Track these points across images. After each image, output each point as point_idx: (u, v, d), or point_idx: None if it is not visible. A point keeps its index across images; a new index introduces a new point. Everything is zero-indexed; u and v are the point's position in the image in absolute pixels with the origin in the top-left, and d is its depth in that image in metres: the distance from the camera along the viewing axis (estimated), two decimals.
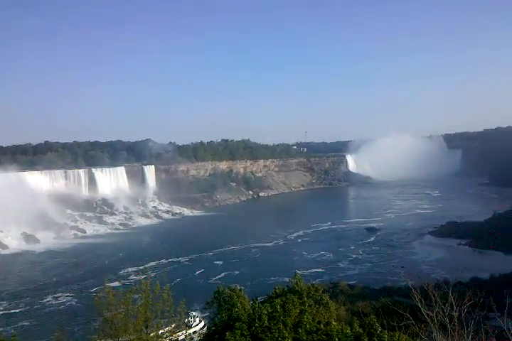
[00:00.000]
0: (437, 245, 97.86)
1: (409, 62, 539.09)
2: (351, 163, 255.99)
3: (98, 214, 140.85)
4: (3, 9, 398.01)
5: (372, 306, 48.92)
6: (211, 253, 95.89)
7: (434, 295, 16.96)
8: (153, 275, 57.62)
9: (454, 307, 16.25)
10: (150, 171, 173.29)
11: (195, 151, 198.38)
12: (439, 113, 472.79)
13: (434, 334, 16.01)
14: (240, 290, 23.88)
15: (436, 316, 16.05)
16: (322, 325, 17.42)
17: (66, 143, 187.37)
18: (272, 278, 73.98)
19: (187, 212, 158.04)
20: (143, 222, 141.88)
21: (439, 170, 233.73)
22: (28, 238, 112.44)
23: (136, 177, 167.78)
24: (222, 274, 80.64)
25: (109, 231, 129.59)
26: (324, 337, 16.66)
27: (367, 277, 76.44)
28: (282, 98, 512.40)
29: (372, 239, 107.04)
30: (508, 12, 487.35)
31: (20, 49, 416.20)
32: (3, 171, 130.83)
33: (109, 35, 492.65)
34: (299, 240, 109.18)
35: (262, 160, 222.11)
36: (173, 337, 21.23)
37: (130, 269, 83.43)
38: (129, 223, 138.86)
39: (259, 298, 24.58)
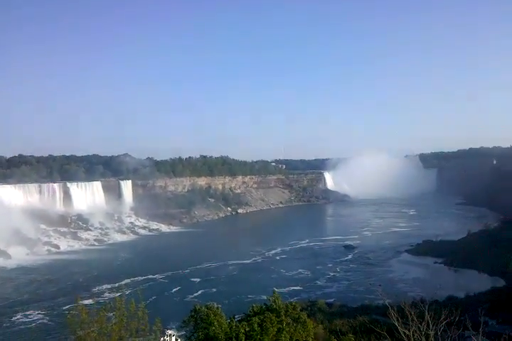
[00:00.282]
0: (414, 263, 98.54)
1: (385, 85, 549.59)
2: (329, 180, 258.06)
3: (73, 230, 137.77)
4: None
5: (350, 324, 48.82)
6: (188, 271, 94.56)
7: (410, 314, 17.06)
8: (128, 292, 56.63)
9: (431, 326, 16.37)
10: (127, 186, 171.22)
11: (174, 167, 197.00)
12: (415, 133, 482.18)
13: None
14: (217, 308, 23.59)
15: (413, 335, 16.14)
16: None
17: (41, 156, 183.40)
18: (250, 296, 73.17)
19: (164, 228, 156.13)
20: (119, 238, 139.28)
21: (416, 189, 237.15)
22: None
23: (113, 192, 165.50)
24: (199, 292, 79.39)
25: (83, 247, 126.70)
26: None
27: (345, 295, 76.25)
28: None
29: (349, 256, 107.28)
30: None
31: None
32: None
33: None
34: (277, 257, 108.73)
35: (240, 177, 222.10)
36: None
37: (104, 286, 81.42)
38: (105, 239, 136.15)
39: (236, 316, 24.33)
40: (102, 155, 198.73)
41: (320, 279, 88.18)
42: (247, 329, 16.52)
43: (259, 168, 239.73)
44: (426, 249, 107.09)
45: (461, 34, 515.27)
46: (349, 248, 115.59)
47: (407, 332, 16.26)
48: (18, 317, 68.48)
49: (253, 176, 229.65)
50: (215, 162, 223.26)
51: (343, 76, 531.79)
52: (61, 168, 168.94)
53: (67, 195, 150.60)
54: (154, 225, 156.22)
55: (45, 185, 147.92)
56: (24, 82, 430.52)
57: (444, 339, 16.43)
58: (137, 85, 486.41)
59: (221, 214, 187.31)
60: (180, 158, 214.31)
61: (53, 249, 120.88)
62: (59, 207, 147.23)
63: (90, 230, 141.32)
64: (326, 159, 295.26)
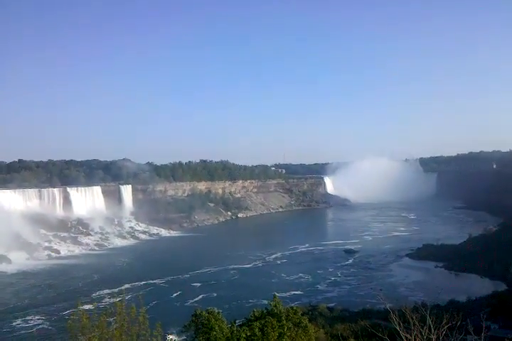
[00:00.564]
0: (415, 267, 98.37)
1: (385, 90, 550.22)
2: (329, 185, 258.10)
3: (73, 235, 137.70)
4: None
5: (351, 329, 48.65)
6: (188, 275, 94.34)
7: (412, 318, 16.97)
8: (128, 297, 56.52)
9: (432, 330, 16.29)
10: (127, 191, 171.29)
11: (174, 171, 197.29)
12: (415, 137, 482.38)
13: None
14: (218, 313, 23.51)
15: (415, 339, 16.05)
16: None
17: (41, 161, 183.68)
18: (251, 301, 73.06)
19: (164, 232, 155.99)
20: (119, 242, 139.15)
21: (416, 193, 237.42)
22: (0, 258, 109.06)
23: (113, 197, 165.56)
24: (200, 296, 79.20)
25: (84, 252, 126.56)
26: None
27: (346, 299, 76.05)
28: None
29: (350, 261, 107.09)
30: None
31: None
32: None
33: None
34: (278, 262, 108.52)
35: (240, 181, 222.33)
36: None
37: (105, 291, 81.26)
38: (105, 244, 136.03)
39: (237, 321, 24.27)
40: (102, 159, 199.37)
41: (321, 283, 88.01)
42: (248, 334, 16.47)
43: (259, 173, 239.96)
44: (426, 253, 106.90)
45: (462, 40, 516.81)
46: (350, 252, 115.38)
47: (408, 336, 16.17)
48: (19, 322, 68.35)
49: (253, 180, 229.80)
50: (215, 166, 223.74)
51: (343, 82, 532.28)
52: (61, 173, 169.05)
53: (67, 200, 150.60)
54: (154, 230, 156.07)
55: (45, 190, 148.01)
56: (26, 88, 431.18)
57: None
58: (138, 92, 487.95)
59: (221, 219, 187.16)
60: (180, 163, 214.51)
61: (53, 254, 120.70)
62: (59, 211, 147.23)
63: (90, 235, 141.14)
64: (326, 163, 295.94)
